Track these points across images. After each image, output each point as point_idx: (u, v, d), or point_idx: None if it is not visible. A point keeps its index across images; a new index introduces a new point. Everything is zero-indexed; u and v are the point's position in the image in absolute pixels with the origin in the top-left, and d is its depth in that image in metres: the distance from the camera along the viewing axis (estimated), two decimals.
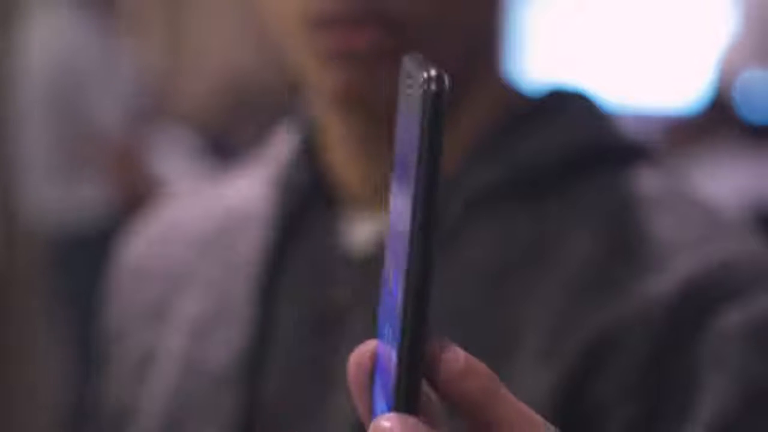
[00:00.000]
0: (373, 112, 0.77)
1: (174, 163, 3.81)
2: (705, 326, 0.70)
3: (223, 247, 0.85)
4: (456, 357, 0.43)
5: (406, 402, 0.43)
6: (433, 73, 0.44)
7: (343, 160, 0.81)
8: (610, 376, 0.71)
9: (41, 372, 3.64)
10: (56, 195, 3.23)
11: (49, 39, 3.22)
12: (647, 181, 0.78)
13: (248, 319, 0.80)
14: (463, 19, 0.77)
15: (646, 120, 4.77)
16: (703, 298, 0.71)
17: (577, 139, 0.78)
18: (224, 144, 4.26)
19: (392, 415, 0.42)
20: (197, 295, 0.84)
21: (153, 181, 3.29)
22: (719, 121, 4.21)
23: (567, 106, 0.80)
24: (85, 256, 3.20)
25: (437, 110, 0.44)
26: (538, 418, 0.44)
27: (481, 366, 0.43)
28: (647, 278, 0.72)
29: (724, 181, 3.46)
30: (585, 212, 0.76)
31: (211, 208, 0.88)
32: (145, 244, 0.90)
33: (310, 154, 0.83)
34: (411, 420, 0.42)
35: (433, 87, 0.44)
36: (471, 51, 0.79)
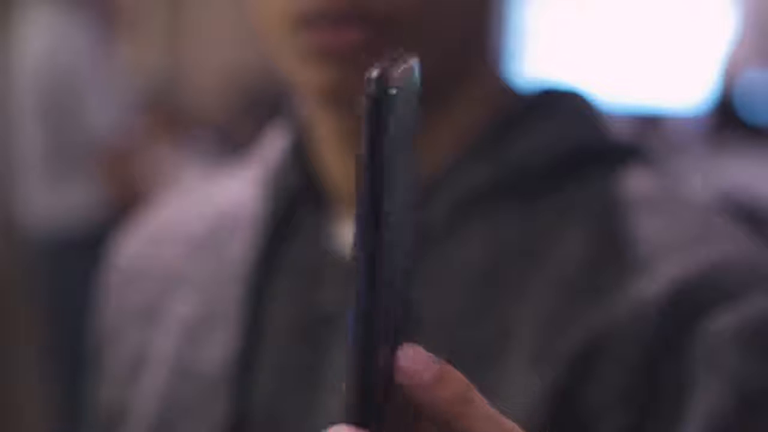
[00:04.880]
0: (359, 111, 0.76)
1: (180, 161, 3.81)
2: (697, 328, 0.70)
3: (213, 249, 0.84)
4: (426, 364, 0.43)
5: (359, 412, 0.42)
6: (374, 74, 0.43)
7: (332, 160, 0.80)
8: (602, 379, 0.70)
9: (36, 375, 3.64)
10: (49, 197, 3.23)
11: (43, 41, 3.22)
12: (640, 182, 0.77)
13: (238, 321, 0.79)
14: (450, 18, 0.76)
15: (646, 120, 4.78)
16: (694, 299, 0.70)
17: (569, 139, 0.78)
18: (228, 142, 4.27)
19: (342, 427, 0.42)
20: (188, 297, 0.83)
21: (147, 182, 3.29)
22: (720, 122, 4.21)
23: (560, 106, 0.79)
24: (79, 258, 3.20)
25: (379, 116, 0.43)
26: (515, 428, 0.43)
27: (455, 374, 0.43)
28: (638, 280, 0.71)
29: (726, 181, 3.46)
30: (577, 213, 0.75)
31: (203, 209, 0.88)
32: (137, 245, 0.90)
33: (299, 155, 0.82)
34: None
35: (373, 89, 0.43)
36: (461, 49, 0.78)
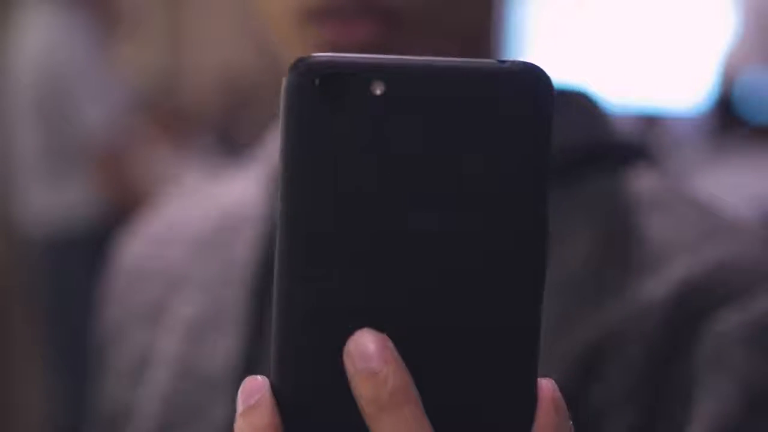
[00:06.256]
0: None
1: (180, 161, 3.81)
2: (703, 328, 0.69)
3: (218, 248, 0.84)
4: (379, 352, 0.42)
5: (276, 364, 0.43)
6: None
7: None
8: (608, 380, 0.70)
9: (36, 375, 3.64)
10: (48, 197, 3.23)
11: (41, 41, 3.22)
12: (646, 181, 0.77)
13: (243, 322, 0.79)
14: (459, 13, 0.76)
15: (646, 120, 4.78)
16: (700, 299, 0.70)
17: (576, 138, 0.77)
18: (228, 142, 4.27)
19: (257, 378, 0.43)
20: (193, 297, 0.83)
21: (142, 182, 3.29)
22: (720, 121, 4.21)
23: (566, 105, 0.79)
24: (78, 257, 3.20)
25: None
26: None
27: (400, 371, 0.42)
28: (644, 280, 0.71)
29: (726, 180, 3.46)
30: (583, 212, 0.75)
31: (208, 209, 0.88)
32: (142, 245, 0.90)
33: None
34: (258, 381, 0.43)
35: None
36: (467, 46, 0.78)
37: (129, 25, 3.51)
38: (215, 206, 0.87)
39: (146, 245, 0.89)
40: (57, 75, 3.17)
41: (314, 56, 0.42)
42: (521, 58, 0.43)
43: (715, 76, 4.86)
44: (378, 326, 0.43)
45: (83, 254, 3.19)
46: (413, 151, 0.42)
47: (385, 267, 0.43)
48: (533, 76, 0.42)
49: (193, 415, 0.79)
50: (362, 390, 0.42)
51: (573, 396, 0.70)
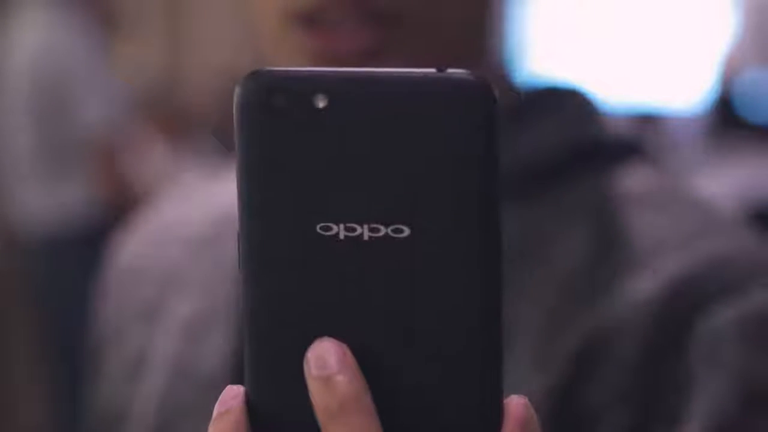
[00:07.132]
0: None
1: (178, 161, 3.81)
2: (697, 324, 0.69)
3: (214, 248, 0.84)
4: (339, 362, 0.43)
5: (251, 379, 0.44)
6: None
7: None
8: (602, 379, 0.70)
9: (33, 375, 3.63)
10: (46, 197, 3.23)
11: (38, 41, 3.22)
12: (640, 179, 0.77)
13: (238, 321, 0.79)
14: (457, 14, 0.76)
15: (645, 120, 4.78)
16: (693, 296, 0.70)
17: (570, 136, 0.77)
18: (227, 142, 4.27)
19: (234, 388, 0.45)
20: (190, 296, 0.83)
21: (140, 181, 3.29)
22: (720, 121, 4.21)
23: (561, 104, 0.79)
24: (73, 257, 3.20)
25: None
26: None
27: (353, 380, 0.42)
28: (638, 277, 0.71)
29: (725, 181, 3.46)
30: (577, 211, 0.75)
31: (204, 209, 0.88)
32: (139, 244, 0.90)
33: None
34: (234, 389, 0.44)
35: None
36: (465, 47, 0.78)
37: (129, 25, 3.51)
38: (212, 206, 0.87)
39: (142, 245, 0.89)
40: (55, 74, 3.18)
41: (262, 70, 0.43)
42: (460, 69, 0.43)
43: (714, 75, 4.86)
44: (340, 336, 0.43)
45: (81, 253, 3.19)
46: (357, 162, 0.43)
47: (342, 276, 0.43)
48: (473, 85, 0.42)
49: (191, 414, 0.79)
50: (315, 397, 0.42)
51: (570, 394, 0.70)
